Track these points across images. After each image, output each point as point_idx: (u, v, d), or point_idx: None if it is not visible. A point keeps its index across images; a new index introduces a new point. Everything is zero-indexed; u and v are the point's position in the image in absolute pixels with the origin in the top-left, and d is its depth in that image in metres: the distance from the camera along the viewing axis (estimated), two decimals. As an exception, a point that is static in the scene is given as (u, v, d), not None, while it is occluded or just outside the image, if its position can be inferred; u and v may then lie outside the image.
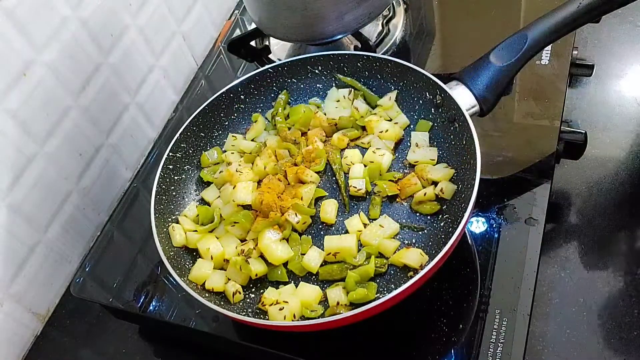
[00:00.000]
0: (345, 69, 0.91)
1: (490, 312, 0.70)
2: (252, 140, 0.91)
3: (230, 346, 0.80)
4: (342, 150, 0.86)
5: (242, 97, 0.93)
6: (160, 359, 0.85)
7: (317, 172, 0.83)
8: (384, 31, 1.07)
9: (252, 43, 1.10)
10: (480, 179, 0.70)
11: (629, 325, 0.77)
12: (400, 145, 0.86)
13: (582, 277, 0.82)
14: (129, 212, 0.92)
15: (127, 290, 0.83)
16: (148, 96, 1.07)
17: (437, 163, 0.81)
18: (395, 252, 0.74)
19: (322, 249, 0.76)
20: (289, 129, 0.90)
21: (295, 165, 0.84)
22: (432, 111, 0.84)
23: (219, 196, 0.85)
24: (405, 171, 0.83)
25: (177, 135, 0.86)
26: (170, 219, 0.82)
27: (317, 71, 0.93)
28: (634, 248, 0.83)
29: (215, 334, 0.77)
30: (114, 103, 1.00)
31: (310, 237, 0.79)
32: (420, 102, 0.86)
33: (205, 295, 0.72)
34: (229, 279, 0.76)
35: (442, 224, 0.76)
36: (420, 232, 0.76)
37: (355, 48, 1.03)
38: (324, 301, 0.72)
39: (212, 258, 0.77)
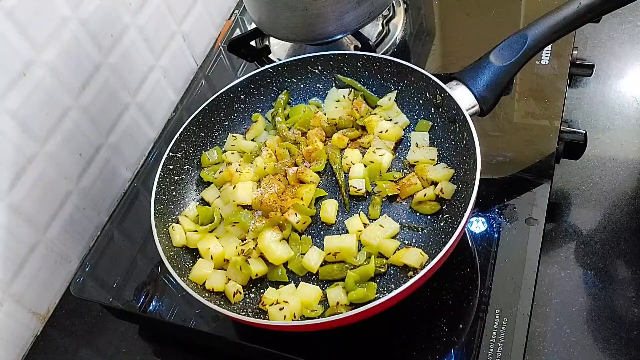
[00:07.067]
0: (345, 69, 0.91)
1: (490, 312, 0.70)
2: (252, 140, 0.91)
3: (230, 346, 0.80)
4: (342, 150, 0.86)
5: (242, 97, 0.93)
6: (160, 359, 0.85)
7: (317, 172, 0.83)
8: (384, 31, 1.07)
9: (252, 43, 1.10)
10: (480, 179, 0.70)
11: (629, 325, 0.77)
12: (400, 145, 0.86)
13: (582, 277, 0.82)
14: (129, 212, 0.92)
15: (127, 290, 0.83)
16: (148, 96, 1.07)
17: (437, 163, 0.81)
18: (395, 252, 0.74)
19: (322, 249, 0.76)
20: (289, 129, 0.90)
21: (295, 165, 0.84)
22: (432, 111, 0.84)
23: (219, 196, 0.85)
24: (405, 171, 0.83)
25: (177, 135, 0.86)
26: (170, 219, 0.82)
27: (317, 71, 0.92)
28: (634, 248, 0.83)
29: (215, 334, 0.77)
30: (114, 103, 1.00)
31: (310, 237, 0.79)
32: (420, 102, 0.86)
33: (205, 295, 0.72)
34: (229, 279, 0.76)
35: (442, 224, 0.76)
36: (420, 232, 0.76)
37: (355, 48, 1.03)
38: (324, 301, 0.72)
39: (212, 258, 0.77)
